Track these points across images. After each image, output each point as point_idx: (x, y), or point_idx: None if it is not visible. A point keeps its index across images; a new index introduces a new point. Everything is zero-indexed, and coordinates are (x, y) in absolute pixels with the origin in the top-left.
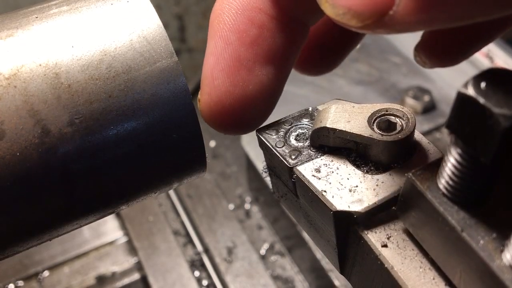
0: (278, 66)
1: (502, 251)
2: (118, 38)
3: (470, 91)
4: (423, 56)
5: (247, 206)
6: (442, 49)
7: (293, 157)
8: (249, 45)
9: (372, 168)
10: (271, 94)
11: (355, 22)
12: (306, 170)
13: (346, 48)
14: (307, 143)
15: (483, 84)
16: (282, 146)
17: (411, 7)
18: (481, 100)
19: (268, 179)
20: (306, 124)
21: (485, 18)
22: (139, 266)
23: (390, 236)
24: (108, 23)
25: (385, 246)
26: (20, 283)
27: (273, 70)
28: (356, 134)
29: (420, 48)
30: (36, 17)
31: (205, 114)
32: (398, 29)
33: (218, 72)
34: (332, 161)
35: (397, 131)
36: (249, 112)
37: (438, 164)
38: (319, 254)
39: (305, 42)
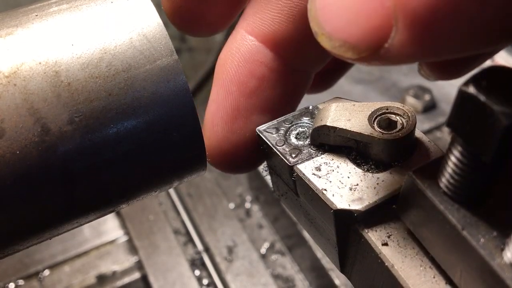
0: (276, 114)
1: (502, 249)
2: (118, 36)
3: (471, 89)
4: (426, 69)
5: (247, 205)
6: (445, 64)
7: (293, 155)
8: (248, 96)
9: (372, 166)
10: None
11: (351, 54)
12: (306, 168)
13: (340, 72)
14: (307, 141)
15: (484, 82)
16: (283, 145)
17: (406, 40)
18: (482, 98)
19: (268, 178)
20: (306, 123)
21: (480, 51)
22: (139, 265)
23: (391, 235)
24: (108, 21)
25: (385, 244)
26: (21, 282)
27: (270, 118)
28: (357, 132)
29: (423, 62)
30: (36, 15)
31: (207, 152)
32: (393, 61)
33: (218, 119)
34: (332, 159)
35: (397, 129)
36: (245, 157)
37: (438, 162)
38: (319, 253)
39: (308, 87)
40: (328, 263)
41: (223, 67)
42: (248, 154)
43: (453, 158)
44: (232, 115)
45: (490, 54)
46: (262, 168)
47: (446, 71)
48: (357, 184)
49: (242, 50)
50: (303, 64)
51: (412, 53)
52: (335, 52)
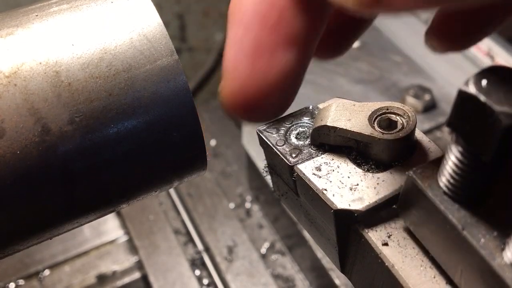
0: (300, 51)
1: (503, 249)
2: (118, 36)
3: (471, 89)
4: (434, 40)
5: (247, 205)
6: (452, 33)
7: (293, 155)
8: (269, 30)
9: (372, 166)
10: (293, 80)
11: (352, 2)
12: (306, 168)
13: (356, 31)
14: (307, 141)
15: (484, 82)
16: (283, 145)
17: None
18: (482, 98)
19: (268, 178)
20: (306, 123)
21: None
22: (139, 265)
23: (391, 235)
24: (108, 21)
25: (385, 244)
26: (21, 282)
27: (294, 54)
28: (357, 132)
29: (430, 32)
30: (36, 15)
31: (228, 103)
32: (396, 8)
33: (240, 60)
34: (332, 159)
35: (397, 129)
36: (272, 98)
37: (439, 162)
38: (319, 253)
39: (324, 27)
40: (328, 263)
41: (240, 4)
42: (275, 96)
43: (453, 158)
44: (255, 52)
45: (501, 22)
46: (263, 168)
47: (454, 41)
48: (357, 184)
49: None
50: None
51: None
52: (336, 1)
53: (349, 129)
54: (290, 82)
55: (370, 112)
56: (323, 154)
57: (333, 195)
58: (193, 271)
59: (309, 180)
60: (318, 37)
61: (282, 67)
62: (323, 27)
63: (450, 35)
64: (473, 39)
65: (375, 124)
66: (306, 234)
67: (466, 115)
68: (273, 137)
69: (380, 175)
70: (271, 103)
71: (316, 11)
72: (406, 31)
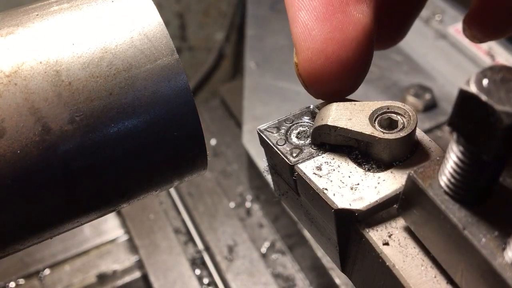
0: (370, 4)
1: (504, 249)
2: (119, 35)
3: (472, 88)
4: (473, 29)
5: (248, 204)
6: (493, 18)
7: (294, 155)
8: None
9: (373, 166)
10: (370, 35)
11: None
12: (307, 168)
13: (411, 17)
14: (308, 141)
15: (485, 81)
16: (283, 144)
17: None
18: (483, 97)
19: (269, 177)
20: (307, 122)
21: None
22: (140, 264)
23: (392, 234)
24: (108, 21)
25: (386, 244)
26: (21, 281)
27: (366, 8)
28: (358, 132)
29: (469, 20)
30: (37, 15)
31: (307, 73)
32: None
33: (313, 23)
34: (333, 159)
35: (398, 129)
36: (354, 59)
37: (439, 162)
38: (320, 252)
39: None
40: (328, 262)
41: None
42: (356, 56)
43: (454, 157)
44: (327, 11)
45: None
46: (264, 168)
47: (495, 28)
48: (358, 184)
49: None
50: None
51: None
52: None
53: (350, 129)
54: (367, 38)
55: (371, 111)
56: (324, 153)
57: (334, 195)
58: (194, 270)
59: (309, 179)
60: None
61: (357, 21)
62: None
63: (491, 20)
64: None
65: (376, 124)
66: (307, 234)
67: (467, 114)
68: (273, 136)
69: (381, 174)
70: (353, 64)
71: None
72: None
